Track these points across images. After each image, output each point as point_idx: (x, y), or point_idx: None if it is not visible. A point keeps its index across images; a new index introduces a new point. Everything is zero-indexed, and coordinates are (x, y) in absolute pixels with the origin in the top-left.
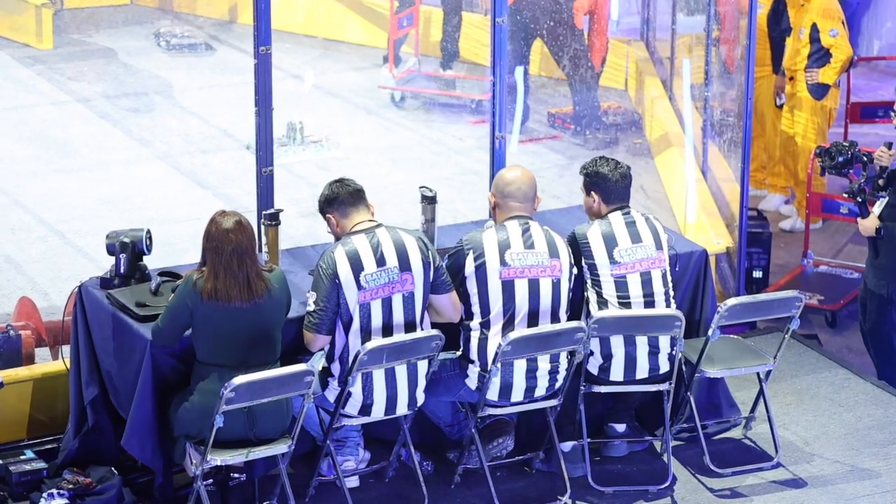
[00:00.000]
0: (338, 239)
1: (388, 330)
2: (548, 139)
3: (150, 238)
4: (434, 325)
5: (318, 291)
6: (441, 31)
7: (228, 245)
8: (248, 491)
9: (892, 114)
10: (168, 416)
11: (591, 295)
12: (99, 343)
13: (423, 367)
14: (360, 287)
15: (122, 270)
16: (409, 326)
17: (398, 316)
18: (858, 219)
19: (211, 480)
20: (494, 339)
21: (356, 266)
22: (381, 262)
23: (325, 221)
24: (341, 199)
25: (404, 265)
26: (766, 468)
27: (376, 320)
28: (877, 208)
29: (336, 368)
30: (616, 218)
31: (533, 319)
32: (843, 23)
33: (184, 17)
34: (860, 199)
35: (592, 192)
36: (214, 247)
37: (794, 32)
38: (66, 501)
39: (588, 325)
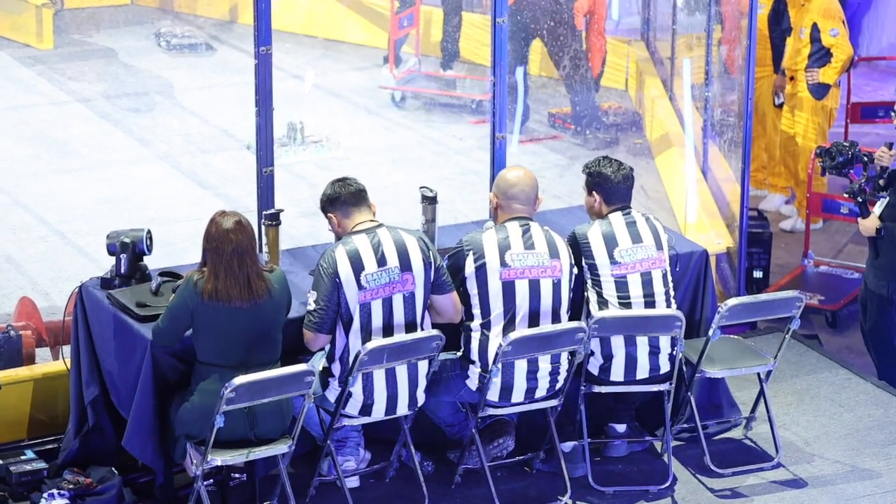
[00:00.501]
0: (339, 238)
1: (388, 330)
2: (548, 139)
3: (151, 238)
4: (435, 326)
5: (319, 291)
6: (441, 32)
7: (229, 245)
8: (248, 491)
9: (893, 114)
10: (168, 416)
11: (592, 295)
12: (99, 343)
13: (423, 367)
14: (360, 287)
15: (122, 270)
16: (410, 327)
17: (399, 316)
18: (859, 219)
19: (211, 480)
20: (495, 340)
21: (357, 265)
22: (381, 261)
23: (326, 220)
24: (343, 198)
25: (405, 265)
26: (766, 468)
27: (377, 320)
28: (877, 208)
29: (336, 368)
30: (616, 218)
31: (534, 320)
32: (843, 22)
33: (184, 18)
34: (861, 200)
35: (594, 192)
36: (215, 247)
37: (794, 32)
38: (67, 501)
39: (588, 325)
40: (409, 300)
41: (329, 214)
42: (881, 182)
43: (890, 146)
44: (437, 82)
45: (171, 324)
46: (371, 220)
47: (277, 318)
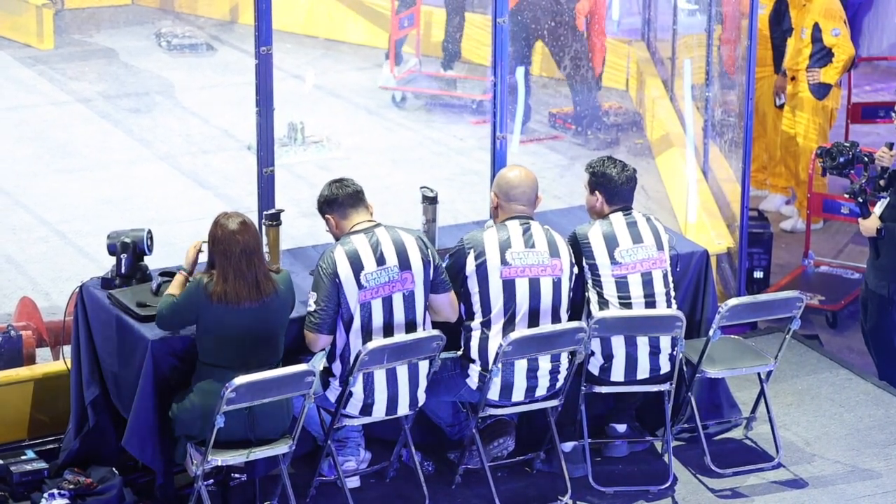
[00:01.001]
0: (337, 239)
1: (388, 329)
2: (549, 139)
3: (151, 238)
4: (434, 325)
5: (319, 291)
6: (443, 32)
7: (236, 247)
8: (249, 491)
9: (893, 114)
10: (169, 417)
11: (592, 295)
12: (100, 343)
13: (424, 367)
14: (360, 286)
15: (123, 270)
16: (410, 326)
17: (399, 315)
18: (859, 219)
19: (212, 481)
20: (495, 339)
21: (356, 265)
22: (380, 261)
23: (324, 221)
24: (341, 200)
25: (404, 264)
26: (766, 468)
27: (377, 319)
28: (878, 208)
29: (337, 368)
30: (617, 218)
31: (533, 318)
32: (845, 23)
33: (185, 18)
34: (861, 200)
35: (597, 192)
36: (222, 250)
37: (795, 32)
38: (67, 501)
39: (589, 325)
40: (409, 299)
41: (326, 216)
42: (882, 182)
43: (890, 146)
44: (438, 82)
45: (175, 317)
46: (369, 220)
47: (282, 319)
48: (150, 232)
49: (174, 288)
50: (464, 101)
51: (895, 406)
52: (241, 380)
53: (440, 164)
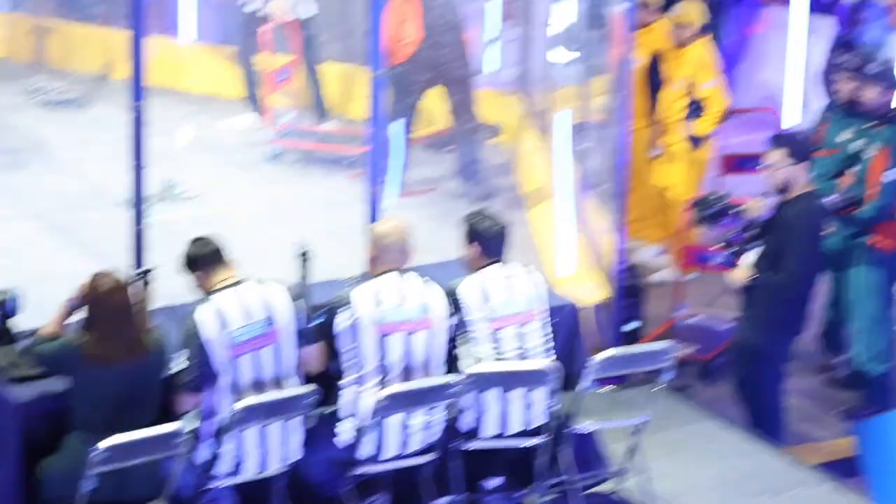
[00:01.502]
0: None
1: (259, 385)
2: (425, 193)
3: (19, 299)
4: (308, 379)
5: (185, 351)
6: (321, 86)
7: (110, 308)
8: None
9: (760, 164)
10: (37, 481)
11: (467, 349)
12: None
13: (297, 423)
14: (227, 343)
15: None
16: (280, 380)
17: (269, 370)
18: (726, 272)
19: None
20: (369, 395)
21: (222, 323)
22: (247, 316)
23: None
24: (202, 259)
25: (271, 318)
26: None
27: (246, 376)
28: (751, 257)
29: (206, 427)
30: (492, 271)
31: (408, 374)
32: (719, 74)
33: (58, 73)
34: (733, 250)
35: (471, 245)
36: (96, 311)
37: (670, 84)
38: None
39: (463, 379)
40: (278, 352)
41: (192, 274)
42: (753, 233)
43: (762, 197)
44: (314, 136)
45: (42, 364)
46: (232, 277)
47: (156, 379)
48: (18, 292)
49: (53, 324)
50: (341, 155)
51: (766, 456)
52: (108, 441)
53: (316, 218)
